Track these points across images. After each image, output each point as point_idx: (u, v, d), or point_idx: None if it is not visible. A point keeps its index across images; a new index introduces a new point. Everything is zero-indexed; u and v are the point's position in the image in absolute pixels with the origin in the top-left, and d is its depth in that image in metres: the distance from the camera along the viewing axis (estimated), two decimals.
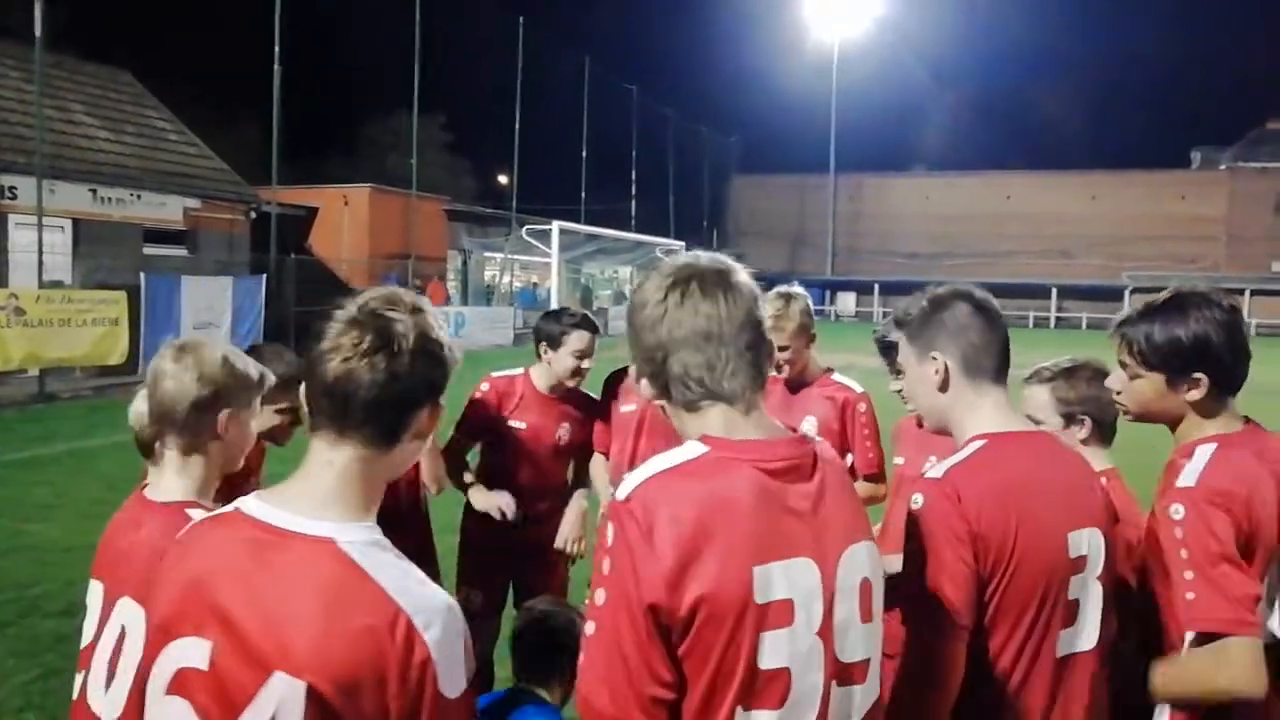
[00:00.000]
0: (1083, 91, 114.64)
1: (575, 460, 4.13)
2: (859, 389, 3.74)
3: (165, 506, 1.90)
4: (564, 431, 3.98)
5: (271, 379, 2.14)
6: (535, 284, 38.87)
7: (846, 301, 56.11)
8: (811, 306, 3.70)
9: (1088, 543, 1.86)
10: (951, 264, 51.60)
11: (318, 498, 1.37)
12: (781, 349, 3.58)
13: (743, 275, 1.52)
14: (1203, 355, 2.02)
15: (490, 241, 34.69)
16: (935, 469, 1.87)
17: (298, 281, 22.91)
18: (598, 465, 4.10)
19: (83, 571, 2.05)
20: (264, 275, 19.86)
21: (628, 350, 1.60)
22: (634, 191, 43.42)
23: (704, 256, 1.53)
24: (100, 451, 10.33)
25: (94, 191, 18.62)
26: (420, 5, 26.84)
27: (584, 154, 37.62)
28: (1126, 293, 44.58)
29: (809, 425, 3.63)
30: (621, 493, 1.40)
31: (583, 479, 4.14)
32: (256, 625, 1.28)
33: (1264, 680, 1.83)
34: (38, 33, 15.41)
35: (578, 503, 4.02)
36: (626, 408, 3.95)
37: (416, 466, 3.52)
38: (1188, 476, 1.96)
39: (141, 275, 16.82)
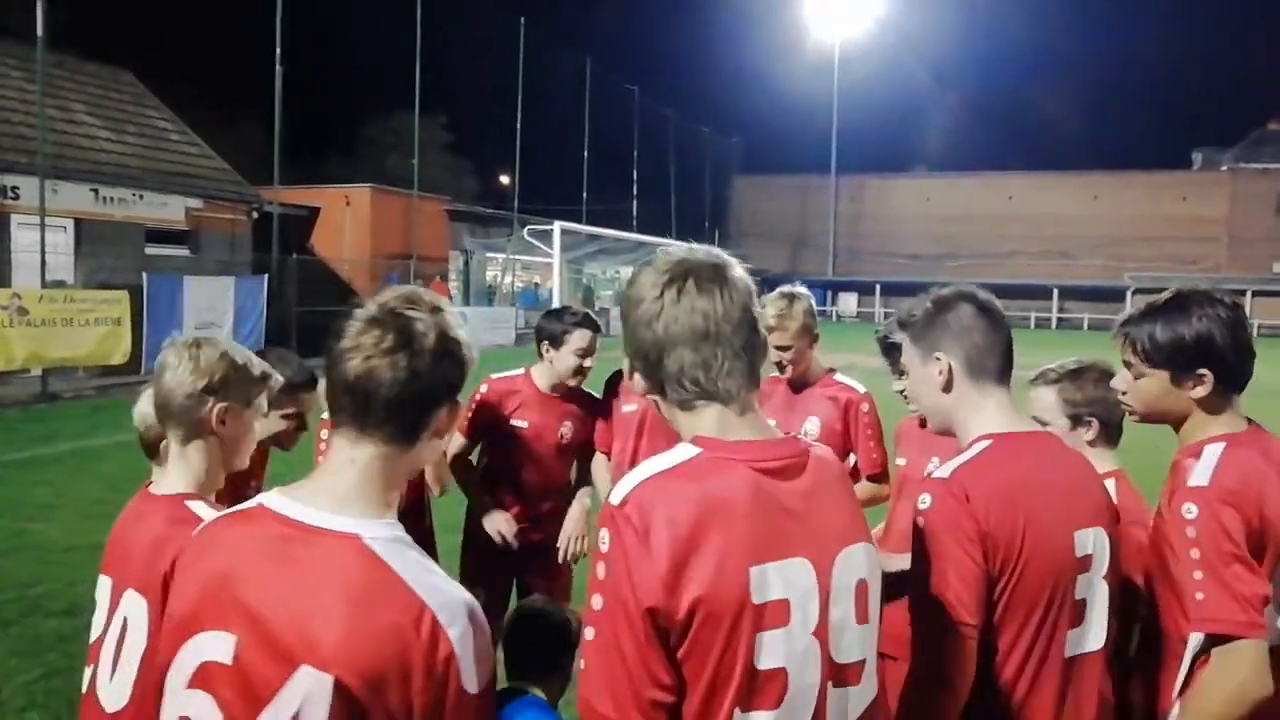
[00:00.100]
0: (1083, 92, 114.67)
1: (578, 460, 4.13)
2: (862, 389, 3.74)
3: (165, 498, 1.94)
4: (566, 430, 3.98)
5: (279, 380, 2.16)
6: (537, 284, 38.90)
7: (848, 302, 56.14)
8: (815, 307, 3.70)
9: (1093, 542, 1.87)
10: (953, 265, 51.60)
11: (341, 494, 1.38)
12: (785, 349, 3.58)
13: (738, 270, 1.51)
14: (1206, 352, 2.02)
15: (492, 242, 34.73)
16: (942, 469, 1.88)
17: (300, 281, 22.95)
18: (599, 465, 4.10)
19: (84, 571, 2.07)
20: (266, 275, 19.91)
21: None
22: (635, 192, 43.55)
23: (699, 250, 1.52)
24: (103, 451, 10.34)
25: (96, 191, 18.63)
26: (421, 5, 26.92)
27: (585, 154, 37.73)
28: (1128, 293, 44.56)
29: (812, 426, 3.63)
30: (616, 496, 1.39)
31: (586, 478, 4.14)
32: (282, 620, 1.29)
33: (1269, 681, 1.83)
34: (39, 33, 15.44)
35: (581, 501, 4.02)
36: (628, 407, 3.95)
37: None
38: (1200, 476, 1.95)
39: (144, 275, 16.88)
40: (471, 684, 1.31)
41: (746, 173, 61.62)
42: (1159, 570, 2.05)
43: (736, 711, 1.34)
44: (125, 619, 1.85)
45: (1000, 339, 1.95)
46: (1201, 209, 52.61)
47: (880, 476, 3.69)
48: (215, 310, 17.98)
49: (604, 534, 1.37)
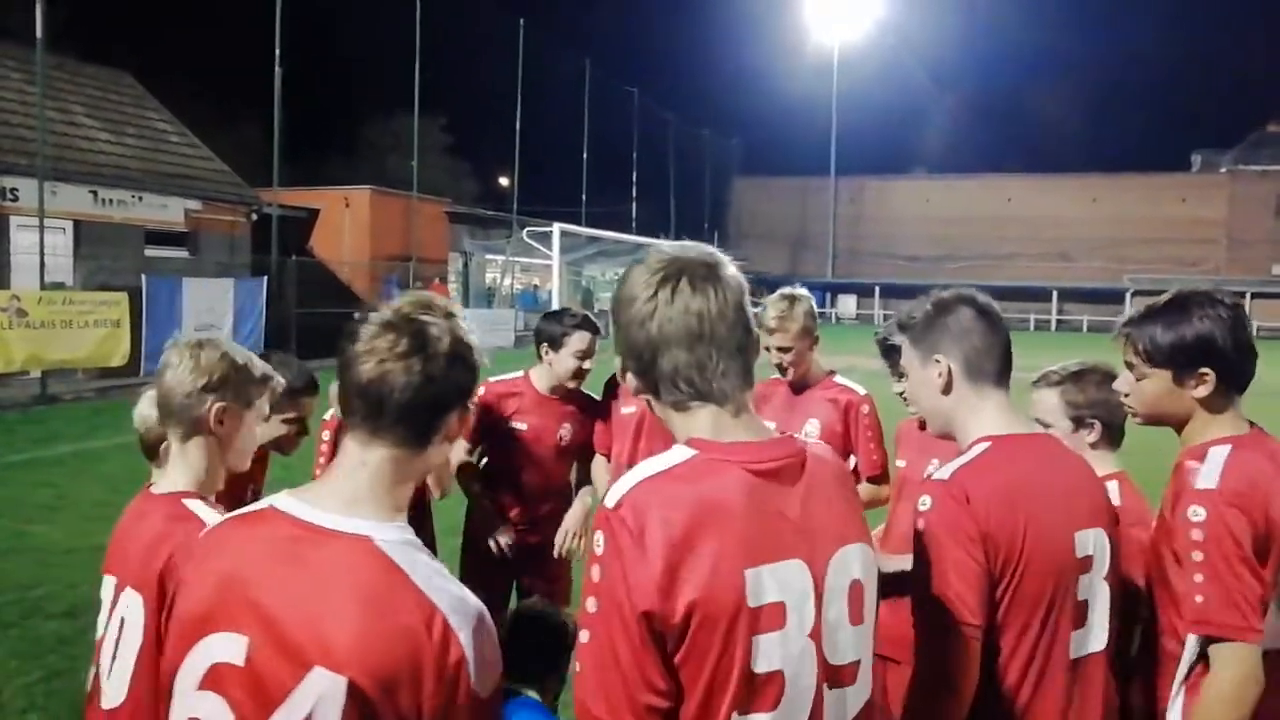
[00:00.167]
0: (1082, 93, 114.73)
1: (578, 461, 4.13)
2: (862, 391, 3.74)
3: (164, 497, 1.97)
4: (565, 432, 3.98)
5: (280, 383, 2.17)
6: (536, 286, 38.90)
7: (847, 304, 56.16)
8: (815, 308, 3.70)
9: (1094, 543, 1.88)
10: (952, 267, 51.56)
11: (352, 496, 1.39)
12: (785, 350, 3.58)
13: (730, 268, 1.49)
14: (1208, 351, 2.02)
15: (491, 244, 34.73)
16: (942, 470, 1.88)
17: (299, 283, 22.94)
18: (599, 467, 4.10)
19: (85, 573, 2.09)
20: (265, 277, 19.91)
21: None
22: (635, 194, 43.55)
23: (691, 248, 1.50)
24: (102, 453, 10.34)
25: (95, 193, 18.63)
26: (420, 6, 26.95)
27: (585, 156, 37.71)
28: (1128, 296, 44.57)
29: (812, 428, 3.63)
30: (610, 499, 1.37)
31: (586, 480, 4.14)
32: (296, 621, 1.30)
33: (1261, 683, 1.86)
34: (39, 34, 15.44)
35: (583, 500, 4.03)
36: (627, 409, 3.95)
37: None
38: (1207, 478, 1.96)
39: (143, 277, 16.89)
40: (480, 688, 1.32)
41: (746, 174, 61.66)
42: (1160, 572, 2.06)
43: (734, 715, 1.33)
44: (123, 617, 1.86)
45: (999, 342, 1.97)
46: (1201, 211, 52.64)
47: (880, 478, 3.69)
48: (214, 312, 17.99)
49: (598, 537, 1.37)
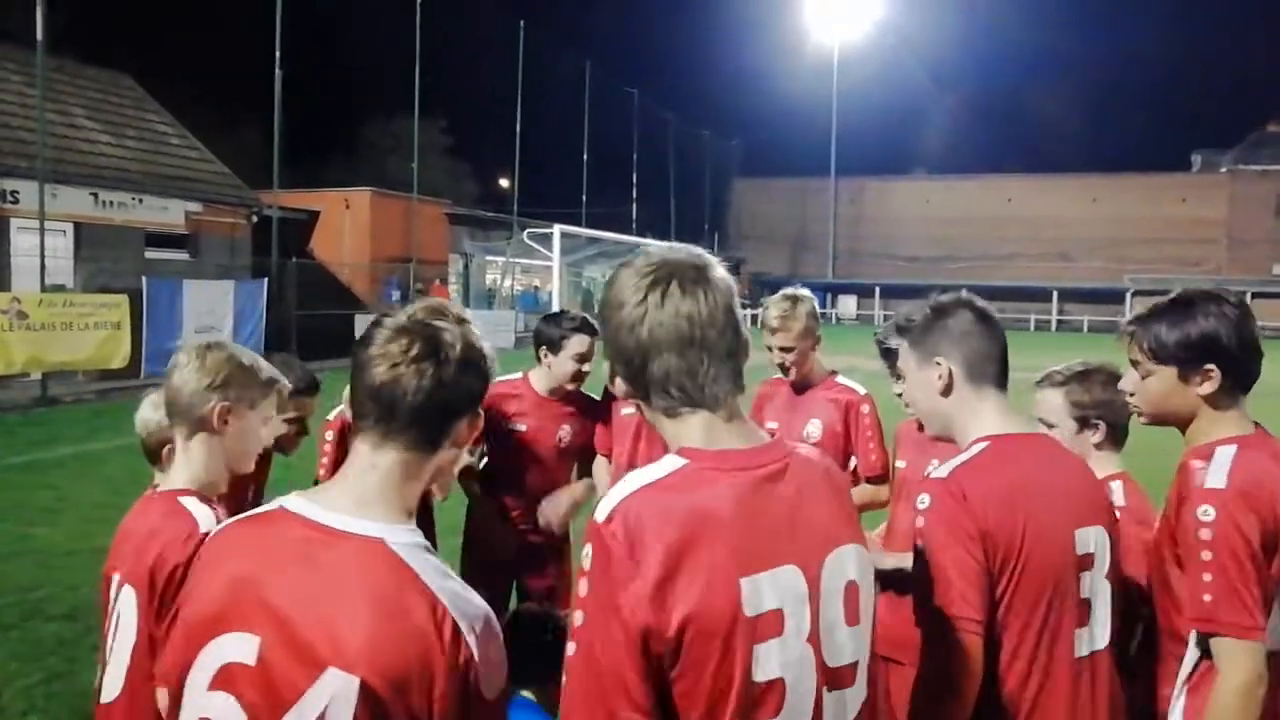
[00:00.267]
0: (1082, 93, 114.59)
1: (579, 463, 4.13)
2: (863, 391, 3.74)
3: (163, 494, 2.02)
4: (565, 433, 3.98)
5: (287, 386, 2.21)
6: (537, 287, 38.91)
7: (848, 304, 56.14)
8: (817, 309, 3.69)
9: (1094, 540, 1.88)
10: (952, 267, 51.55)
11: (363, 498, 1.40)
12: (787, 350, 3.59)
13: (719, 270, 1.47)
14: (1213, 348, 2.02)
15: (491, 245, 34.74)
16: (940, 469, 1.89)
17: (299, 285, 22.94)
18: (600, 468, 4.10)
19: (86, 575, 2.11)
20: (265, 279, 19.91)
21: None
22: (635, 195, 43.55)
23: (680, 250, 1.48)
24: (103, 455, 10.34)
25: (95, 195, 18.66)
26: (420, 8, 26.91)
27: (585, 157, 37.72)
28: (1128, 296, 44.59)
29: (814, 428, 3.63)
30: (600, 513, 1.35)
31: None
32: (309, 621, 1.30)
33: (1266, 681, 1.86)
34: (39, 36, 15.45)
35: (586, 483, 4.04)
36: (627, 411, 3.95)
37: None
38: (1215, 478, 1.95)
39: (143, 279, 16.89)
40: (488, 690, 1.33)
41: (746, 175, 61.67)
42: (1161, 573, 2.06)
43: None
44: (119, 612, 1.90)
45: (997, 344, 1.99)
46: (1201, 211, 52.64)
47: (880, 479, 3.68)
48: (215, 314, 17.99)
49: (587, 550, 1.34)
